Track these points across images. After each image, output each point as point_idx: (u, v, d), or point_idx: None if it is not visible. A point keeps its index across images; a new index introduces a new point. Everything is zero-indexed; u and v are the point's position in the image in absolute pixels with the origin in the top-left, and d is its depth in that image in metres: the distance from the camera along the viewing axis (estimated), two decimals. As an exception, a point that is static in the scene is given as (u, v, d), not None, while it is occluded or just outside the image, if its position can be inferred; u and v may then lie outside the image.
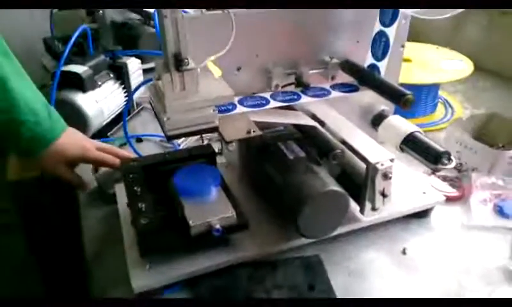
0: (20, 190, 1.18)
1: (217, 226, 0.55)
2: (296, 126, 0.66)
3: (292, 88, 0.64)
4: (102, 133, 0.91)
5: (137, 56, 1.04)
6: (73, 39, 0.83)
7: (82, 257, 0.68)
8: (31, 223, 1.21)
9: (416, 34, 0.71)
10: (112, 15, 1.25)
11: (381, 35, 0.62)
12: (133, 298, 0.54)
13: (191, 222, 0.54)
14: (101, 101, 0.88)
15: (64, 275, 1.26)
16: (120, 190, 0.69)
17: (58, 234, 1.19)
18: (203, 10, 0.52)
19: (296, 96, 0.62)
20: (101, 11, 1.15)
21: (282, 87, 0.64)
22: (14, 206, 1.19)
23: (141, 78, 1.01)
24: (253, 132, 0.53)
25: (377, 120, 0.71)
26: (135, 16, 1.34)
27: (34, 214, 1.18)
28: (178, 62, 0.47)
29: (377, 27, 0.63)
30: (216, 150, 0.71)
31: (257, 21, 0.60)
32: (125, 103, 0.96)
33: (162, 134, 0.89)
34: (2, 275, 1.54)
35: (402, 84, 0.62)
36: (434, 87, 0.99)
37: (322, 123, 0.65)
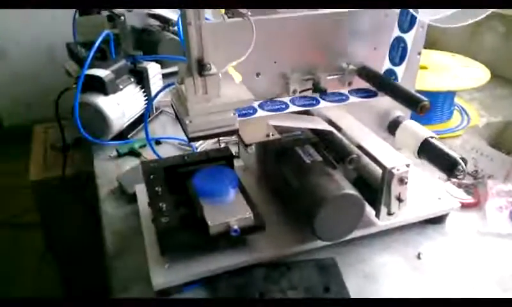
0: (42, 190, 1.22)
1: (235, 227, 0.57)
2: (313, 130, 0.67)
3: (309, 93, 0.66)
4: (122, 135, 0.94)
5: (156, 61, 1.06)
6: (97, 44, 0.86)
7: (101, 255, 0.70)
8: (51, 222, 1.25)
9: (432, 41, 0.71)
10: (133, 20, 1.28)
11: (399, 41, 0.63)
12: (154, 298, 0.56)
13: (209, 222, 0.56)
14: (122, 104, 0.90)
15: (82, 271, 1.29)
16: (140, 190, 0.71)
17: (78, 232, 1.23)
18: (225, 17, 0.53)
19: (314, 101, 0.63)
20: (122, 17, 1.18)
21: (300, 92, 0.65)
22: (36, 206, 1.23)
23: (161, 83, 1.04)
24: (272, 135, 0.55)
25: (392, 126, 0.72)
26: (154, 22, 1.37)
27: (55, 213, 1.21)
28: (201, 68, 0.49)
29: (396, 32, 0.64)
30: (233, 153, 0.73)
31: (275, 28, 0.62)
32: (145, 106, 0.98)
33: (181, 137, 0.92)
34: (22, 271, 1.58)
35: (418, 91, 0.63)
36: (450, 94, 0.99)
37: (338, 128, 0.67)
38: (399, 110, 0.73)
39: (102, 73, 0.88)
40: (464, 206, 0.72)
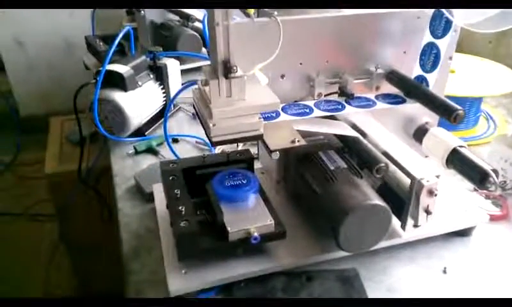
0: (57, 183, 1.22)
1: (256, 234, 0.55)
2: (337, 136, 0.65)
3: (335, 97, 0.64)
4: (139, 132, 0.92)
5: (175, 57, 1.05)
6: (118, 39, 0.85)
7: (114, 249, 0.69)
8: (65, 214, 1.25)
9: (459, 45, 0.69)
10: (152, 15, 1.27)
11: (432, 47, 0.60)
12: (169, 298, 0.55)
13: (229, 228, 0.55)
14: (141, 101, 0.89)
15: (95, 264, 1.29)
16: (158, 190, 0.70)
17: (91, 225, 1.23)
18: (253, 16, 0.51)
19: (339, 106, 0.61)
20: (142, 12, 1.16)
21: (325, 96, 0.63)
22: (51, 198, 1.24)
23: (180, 80, 1.02)
24: (298, 141, 0.53)
25: (419, 133, 0.70)
26: (173, 16, 1.35)
27: (70, 206, 1.22)
28: (227, 70, 0.47)
29: (427, 38, 0.61)
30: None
31: (301, 29, 0.60)
32: (163, 103, 0.97)
33: (198, 136, 0.91)
34: (36, 262, 1.60)
35: (445, 96, 0.60)
36: (477, 100, 0.95)
37: (363, 134, 0.64)
38: (426, 116, 0.70)
39: (121, 69, 0.86)
40: (493, 218, 0.69)
